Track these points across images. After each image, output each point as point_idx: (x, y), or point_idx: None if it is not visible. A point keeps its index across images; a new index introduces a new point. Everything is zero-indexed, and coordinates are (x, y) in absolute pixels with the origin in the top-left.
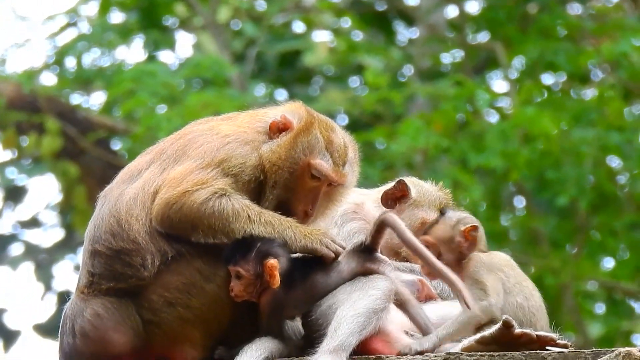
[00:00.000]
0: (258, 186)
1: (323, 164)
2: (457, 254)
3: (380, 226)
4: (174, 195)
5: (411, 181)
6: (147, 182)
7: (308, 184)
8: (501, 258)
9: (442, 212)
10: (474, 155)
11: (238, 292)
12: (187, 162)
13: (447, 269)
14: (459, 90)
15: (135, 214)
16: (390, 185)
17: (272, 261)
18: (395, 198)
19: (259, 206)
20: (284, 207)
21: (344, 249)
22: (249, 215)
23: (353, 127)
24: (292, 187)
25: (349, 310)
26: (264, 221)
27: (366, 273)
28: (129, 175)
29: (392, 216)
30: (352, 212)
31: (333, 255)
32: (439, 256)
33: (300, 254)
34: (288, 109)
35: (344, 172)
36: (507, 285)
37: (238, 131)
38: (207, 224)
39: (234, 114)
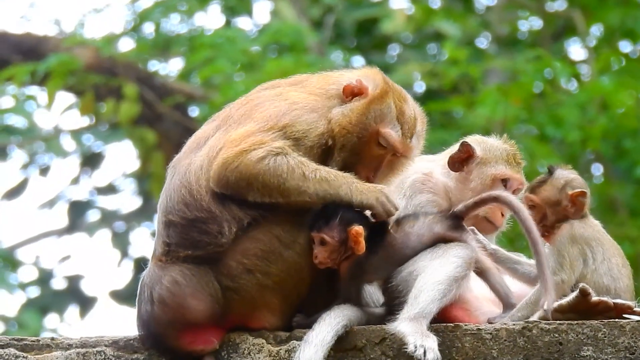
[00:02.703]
0: (323, 152)
1: (392, 133)
2: (562, 217)
3: (487, 201)
4: (231, 155)
5: (475, 140)
6: (211, 149)
7: (374, 151)
8: (593, 230)
9: (550, 171)
10: (552, 129)
11: (322, 259)
12: (250, 124)
13: (546, 260)
14: (538, 64)
15: (204, 183)
16: (455, 148)
17: (357, 228)
18: (462, 160)
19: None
20: (348, 171)
21: (397, 209)
22: (303, 173)
23: (429, 95)
24: (358, 152)
25: (430, 278)
26: (319, 178)
27: (447, 240)
28: (196, 144)
29: (508, 195)
30: (420, 183)
31: (385, 215)
32: (543, 217)
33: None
34: (364, 73)
35: (410, 145)
36: (592, 263)
37: (308, 99)
38: (262, 182)
39: (304, 77)
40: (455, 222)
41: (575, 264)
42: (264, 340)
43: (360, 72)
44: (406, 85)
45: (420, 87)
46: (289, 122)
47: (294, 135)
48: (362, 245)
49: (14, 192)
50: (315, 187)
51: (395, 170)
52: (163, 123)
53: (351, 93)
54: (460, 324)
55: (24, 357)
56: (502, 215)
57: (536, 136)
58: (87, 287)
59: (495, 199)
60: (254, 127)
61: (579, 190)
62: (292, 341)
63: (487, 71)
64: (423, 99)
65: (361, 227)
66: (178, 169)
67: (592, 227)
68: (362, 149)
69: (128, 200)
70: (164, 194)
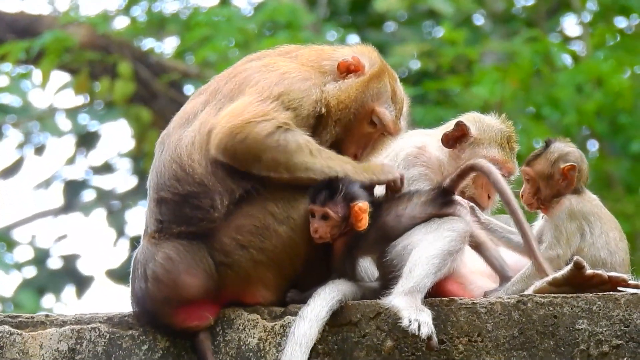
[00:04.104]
0: (315, 122)
1: (386, 113)
2: (555, 191)
3: (466, 171)
4: (237, 125)
5: (472, 118)
6: (203, 124)
7: (364, 129)
8: (591, 205)
9: (547, 143)
10: (549, 110)
11: (323, 233)
12: (244, 97)
13: (528, 227)
14: (534, 46)
15: (197, 158)
16: (450, 125)
17: (361, 204)
18: (456, 138)
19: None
20: (335, 148)
21: (403, 182)
22: (310, 151)
23: (425, 74)
24: (350, 128)
25: (424, 252)
26: (325, 156)
27: (442, 216)
28: (185, 119)
29: (484, 162)
30: (413, 157)
31: (399, 180)
32: (537, 190)
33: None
34: (359, 50)
35: (400, 126)
36: (589, 237)
37: (299, 69)
38: (271, 157)
39: (293, 48)
40: (447, 197)
41: (572, 239)
42: (258, 316)
43: (355, 48)
44: (402, 64)
45: (415, 64)
46: (283, 91)
47: (291, 105)
48: (365, 222)
49: (9, 172)
50: (322, 164)
51: (378, 149)
52: (158, 101)
53: (346, 69)
54: (455, 298)
55: (18, 334)
56: (489, 197)
57: (532, 115)
58: (83, 267)
59: (472, 168)
60: (249, 98)
61: (570, 164)
62: (286, 316)
63: (484, 50)
64: (419, 78)
65: (365, 202)
66: (167, 145)
67: (590, 201)
68: (354, 126)
69: (124, 179)
70: (154, 171)
